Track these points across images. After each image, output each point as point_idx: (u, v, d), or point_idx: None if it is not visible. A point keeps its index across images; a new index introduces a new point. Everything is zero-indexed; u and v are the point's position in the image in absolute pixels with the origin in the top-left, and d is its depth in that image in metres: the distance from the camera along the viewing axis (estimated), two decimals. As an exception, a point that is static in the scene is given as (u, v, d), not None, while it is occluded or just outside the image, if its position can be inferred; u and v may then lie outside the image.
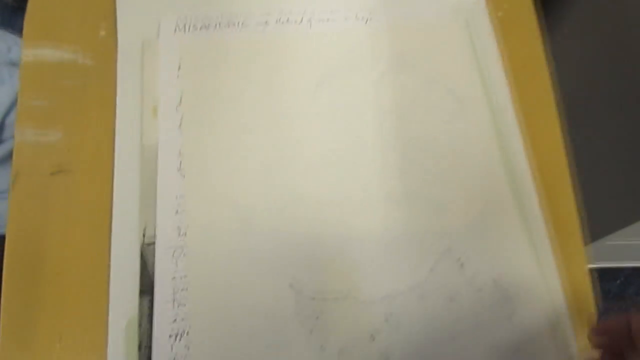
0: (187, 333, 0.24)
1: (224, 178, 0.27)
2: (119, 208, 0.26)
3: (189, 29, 0.30)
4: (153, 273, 0.25)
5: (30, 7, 0.30)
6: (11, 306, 0.25)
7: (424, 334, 0.26)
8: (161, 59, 0.29)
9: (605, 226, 0.48)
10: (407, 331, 0.25)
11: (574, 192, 0.29)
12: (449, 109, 0.30)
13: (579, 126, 0.33)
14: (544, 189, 0.29)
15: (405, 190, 0.28)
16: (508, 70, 0.31)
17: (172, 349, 0.24)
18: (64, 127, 0.28)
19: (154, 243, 0.26)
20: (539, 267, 0.27)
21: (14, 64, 0.55)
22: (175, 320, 0.24)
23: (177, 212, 0.26)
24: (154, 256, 0.25)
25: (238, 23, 0.30)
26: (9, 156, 0.52)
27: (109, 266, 0.26)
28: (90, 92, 0.29)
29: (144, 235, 0.26)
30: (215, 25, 0.30)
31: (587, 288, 0.28)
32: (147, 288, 0.25)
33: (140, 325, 0.25)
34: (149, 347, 0.24)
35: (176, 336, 0.24)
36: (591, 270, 0.28)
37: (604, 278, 0.67)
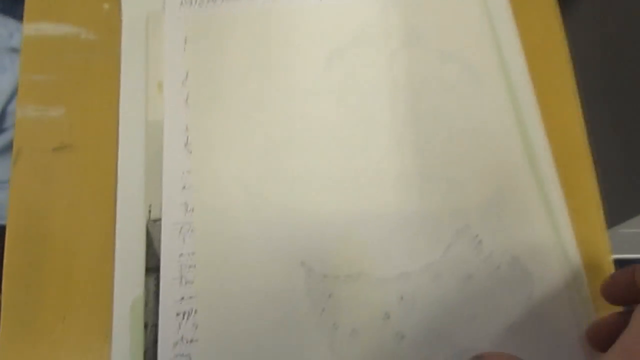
0: (195, 312, 0.23)
1: (232, 154, 0.26)
2: (124, 184, 0.26)
3: (196, 1, 0.29)
4: (159, 250, 0.24)
5: (31, -20, 0.29)
6: (13, 286, 0.24)
7: (440, 313, 0.25)
8: (166, 33, 0.28)
9: (620, 214, 0.47)
10: (422, 310, 0.25)
11: (594, 170, 0.28)
12: (465, 85, 0.29)
13: (593, 110, 0.32)
14: (563, 167, 0.28)
15: (420, 167, 0.27)
16: (525, 46, 0.30)
17: (179, 327, 0.23)
18: (66, 102, 0.27)
19: (160, 220, 0.25)
20: (559, 244, 0.26)
21: (15, 50, 0.54)
22: (182, 298, 0.23)
23: (184, 187, 0.25)
24: (160, 233, 0.25)
25: (246, -4, 0.29)
26: (10, 145, 0.52)
27: (113, 244, 0.25)
28: (93, 67, 0.28)
29: (149, 212, 0.25)
30: (223, -2, 0.29)
31: (608, 265, 0.27)
32: (153, 266, 0.24)
33: (146, 304, 0.24)
34: (156, 327, 0.23)
35: (184, 315, 0.23)
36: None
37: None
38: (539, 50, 0.30)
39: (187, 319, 0.23)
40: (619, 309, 0.23)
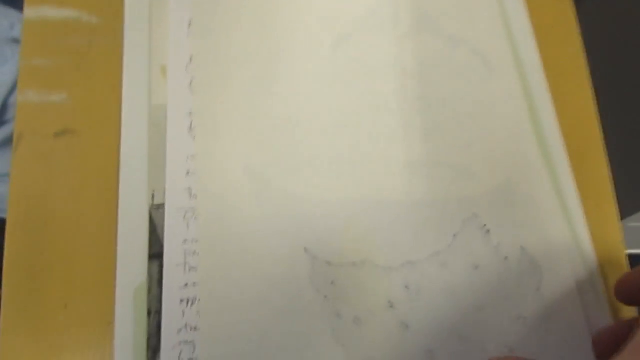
0: (199, 299, 0.23)
1: (237, 139, 0.26)
2: (127, 170, 0.25)
3: (200, -16, 0.28)
4: (163, 236, 0.24)
5: (32, -37, 0.29)
6: (14, 274, 0.24)
7: (446, 303, 0.24)
8: (171, 16, 0.28)
9: (630, 207, 0.46)
10: (428, 300, 0.24)
11: (607, 158, 0.28)
12: (475, 71, 0.29)
13: (605, 99, 0.31)
14: (575, 155, 0.27)
15: (428, 154, 0.27)
16: (537, 31, 0.30)
17: (183, 315, 0.22)
18: (68, 87, 0.27)
19: (163, 205, 0.24)
20: (572, 236, 0.26)
21: (16, 41, 0.53)
22: (186, 285, 0.23)
23: (187, 173, 0.25)
24: (163, 219, 0.24)
25: (252, -23, 0.29)
26: (12, 138, 0.51)
27: (116, 230, 0.24)
28: (96, 51, 0.28)
29: (153, 198, 0.25)
30: (228, -20, 0.28)
31: (621, 257, 0.26)
32: (156, 252, 0.24)
33: (149, 291, 0.23)
34: (159, 314, 0.23)
35: (188, 301, 0.23)
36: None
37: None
38: (551, 36, 0.30)
39: (191, 305, 0.23)
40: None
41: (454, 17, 0.29)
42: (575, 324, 0.24)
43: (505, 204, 0.26)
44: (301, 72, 0.27)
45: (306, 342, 0.23)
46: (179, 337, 0.22)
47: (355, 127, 0.27)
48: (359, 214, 0.25)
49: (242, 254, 0.24)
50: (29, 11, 0.28)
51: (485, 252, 0.25)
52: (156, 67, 0.27)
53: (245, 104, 0.27)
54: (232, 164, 0.25)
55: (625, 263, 0.26)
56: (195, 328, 0.22)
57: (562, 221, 0.26)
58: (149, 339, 0.22)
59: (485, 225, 0.26)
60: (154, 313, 0.23)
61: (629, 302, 0.23)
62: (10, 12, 0.53)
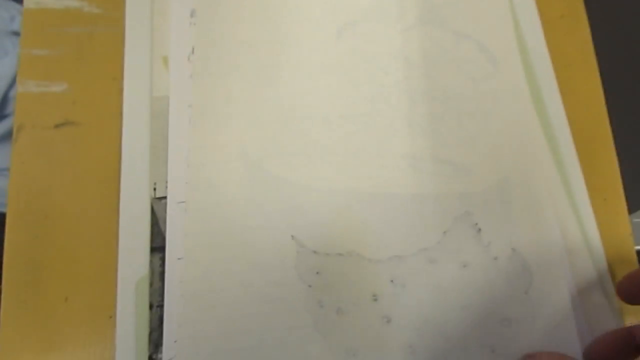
0: (183, 280, 0.22)
1: (236, 128, 0.25)
2: (128, 162, 0.25)
3: (203, -27, 0.28)
4: (165, 229, 0.23)
5: (32, -48, 0.28)
6: (14, 266, 0.24)
7: (431, 300, 0.24)
8: (173, 6, 0.27)
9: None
10: (413, 295, 0.24)
11: (616, 154, 0.27)
12: (480, 66, 0.28)
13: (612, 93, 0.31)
14: (583, 148, 0.27)
15: (426, 148, 0.26)
16: (545, 24, 0.29)
17: (184, 307, 0.22)
18: (69, 78, 0.27)
19: (165, 198, 0.24)
20: (580, 230, 0.25)
21: (17, 34, 0.53)
22: (183, 278, 0.23)
23: (189, 165, 0.24)
24: (165, 211, 0.24)
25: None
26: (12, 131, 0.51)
27: (117, 222, 0.24)
28: (96, 41, 0.27)
29: (154, 190, 0.24)
30: (231, -32, 0.28)
31: (630, 253, 0.26)
32: (158, 245, 0.23)
33: (151, 284, 0.23)
34: (161, 307, 0.22)
35: (190, 295, 0.22)
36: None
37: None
38: (559, 27, 0.29)
39: (194, 299, 0.22)
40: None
41: (461, 11, 0.29)
42: (563, 328, 0.24)
43: (500, 203, 0.26)
44: (303, 62, 0.27)
45: (287, 330, 0.22)
46: (180, 331, 0.22)
47: (353, 117, 0.26)
48: (350, 205, 0.25)
49: (232, 242, 0.23)
50: (29, 0, 0.28)
51: (474, 251, 0.25)
52: (158, 58, 0.27)
53: (247, 93, 0.26)
54: (229, 153, 0.25)
55: (635, 259, 0.25)
56: (197, 321, 0.22)
57: (570, 217, 0.26)
58: (150, 333, 0.22)
59: (477, 223, 0.25)
60: (156, 307, 0.23)
61: (632, 301, 0.23)
62: (10, 5, 0.53)
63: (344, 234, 0.24)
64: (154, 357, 0.22)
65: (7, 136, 0.54)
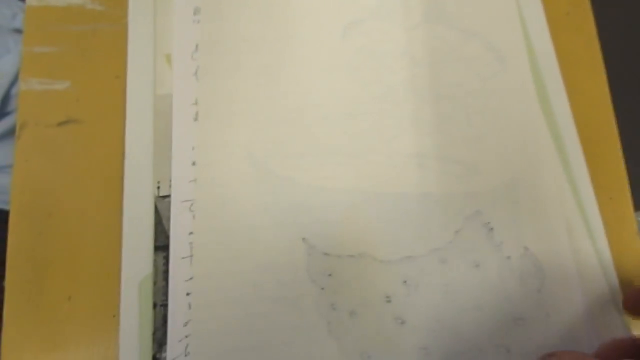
0: (193, 290, 0.22)
1: (241, 127, 0.25)
2: (132, 160, 0.25)
3: (207, -30, 0.28)
4: (168, 228, 0.23)
5: (35, -51, 0.28)
6: (17, 265, 0.23)
7: (444, 300, 0.24)
8: (176, 3, 0.27)
9: None
10: (425, 296, 0.24)
11: (622, 153, 0.27)
12: (488, 65, 0.28)
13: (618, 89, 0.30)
14: (589, 146, 0.27)
15: (434, 148, 0.26)
16: (551, 23, 0.29)
17: (189, 307, 0.22)
18: (72, 76, 0.26)
19: (169, 196, 0.24)
20: (587, 229, 0.25)
21: (19, 31, 0.53)
22: (192, 278, 0.22)
23: (194, 164, 0.24)
24: (169, 210, 0.24)
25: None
26: (15, 129, 0.51)
27: (121, 221, 0.24)
28: (100, 39, 0.27)
29: (158, 189, 0.24)
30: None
31: (637, 251, 0.25)
32: (162, 244, 0.23)
33: (155, 283, 0.23)
34: (165, 306, 0.22)
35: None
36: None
37: None
38: (565, 25, 0.29)
39: (198, 298, 0.22)
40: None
41: (467, 8, 0.29)
42: (576, 327, 0.24)
43: (511, 201, 0.26)
44: (309, 60, 0.27)
45: (300, 333, 0.22)
46: (185, 330, 0.22)
47: (361, 116, 0.26)
48: (360, 205, 0.25)
49: (240, 242, 0.23)
50: (32, -2, 0.27)
51: (487, 250, 0.25)
52: (161, 56, 0.26)
53: (251, 92, 0.26)
54: (235, 152, 0.25)
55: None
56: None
57: (577, 215, 0.26)
58: (154, 332, 0.22)
59: (489, 222, 0.25)
60: (160, 306, 0.22)
61: (638, 314, 0.23)
62: (13, 2, 0.53)
63: (354, 236, 0.24)
64: (157, 356, 0.22)
65: (10, 134, 0.54)
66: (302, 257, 0.23)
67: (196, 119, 0.25)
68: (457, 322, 0.23)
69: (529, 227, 0.25)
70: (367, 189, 0.25)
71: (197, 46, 0.26)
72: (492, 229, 0.25)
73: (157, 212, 0.24)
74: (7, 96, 0.55)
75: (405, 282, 0.24)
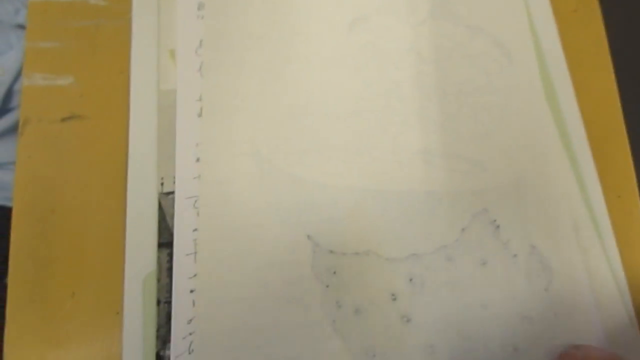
0: (196, 287, 0.22)
1: (245, 123, 0.25)
2: (136, 156, 0.24)
3: (211, -35, 0.27)
4: (172, 225, 0.23)
5: (38, -57, 0.28)
6: (20, 261, 0.23)
7: (450, 298, 0.23)
8: (180, -2, 0.27)
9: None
10: (431, 294, 0.23)
11: (630, 151, 0.27)
12: (494, 61, 0.28)
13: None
14: (597, 144, 0.26)
15: (440, 144, 0.26)
16: (558, 19, 0.29)
17: (193, 304, 0.22)
18: (75, 71, 0.26)
19: (172, 193, 0.24)
20: (596, 232, 0.25)
21: (22, 27, 0.53)
22: (196, 274, 0.22)
23: (197, 160, 0.24)
24: (173, 207, 0.23)
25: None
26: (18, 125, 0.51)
27: (124, 217, 0.24)
28: (103, 34, 0.27)
29: (162, 185, 0.24)
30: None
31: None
32: (166, 241, 0.23)
33: (158, 280, 0.23)
34: (169, 303, 0.22)
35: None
36: None
37: None
38: (572, 21, 0.29)
39: (202, 295, 0.22)
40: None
41: (473, 4, 0.28)
42: (585, 326, 0.24)
43: (518, 199, 0.25)
44: (314, 56, 0.27)
45: (305, 331, 0.22)
46: (189, 327, 0.22)
47: (366, 113, 0.26)
48: (365, 202, 0.24)
49: (244, 238, 0.23)
50: (35, -8, 0.27)
51: (493, 248, 0.24)
52: (165, 51, 0.26)
53: (256, 88, 0.26)
54: (239, 148, 0.25)
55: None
56: (205, 318, 0.22)
57: (584, 214, 0.25)
58: (158, 329, 0.22)
59: (495, 220, 0.25)
60: (163, 303, 0.22)
61: None
62: (15, -2, 0.53)
63: (359, 233, 0.24)
64: (161, 353, 0.22)
65: (12, 130, 0.54)
66: (306, 255, 0.23)
67: (200, 115, 0.25)
68: (463, 320, 0.23)
69: (536, 225, 0.25)
70: (372, 186, 0.25)
71: (201, 42, 0.26)
72: (498, 226, 0.25)
73: (160, 208, 0.24)
74: (10, 92, 0.54)
75: (410, 279, 0.24)
